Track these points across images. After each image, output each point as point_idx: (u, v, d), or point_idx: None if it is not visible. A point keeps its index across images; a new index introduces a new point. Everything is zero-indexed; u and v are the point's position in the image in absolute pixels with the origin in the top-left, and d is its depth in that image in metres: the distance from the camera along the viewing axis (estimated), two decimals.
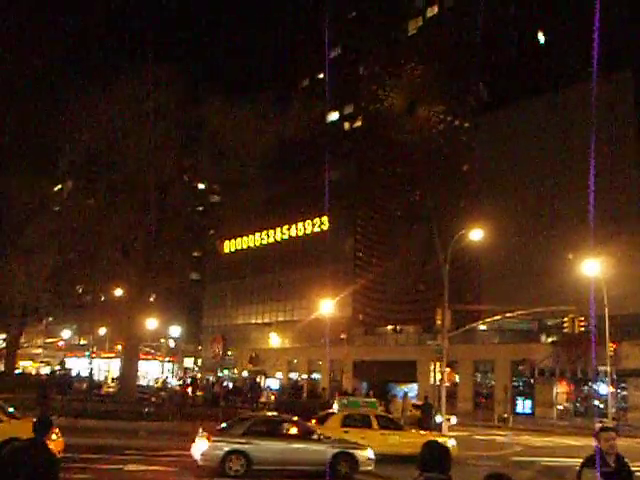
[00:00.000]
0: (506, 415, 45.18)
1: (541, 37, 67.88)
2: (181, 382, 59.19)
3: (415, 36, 73.38)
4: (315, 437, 18.80)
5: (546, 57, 61.66)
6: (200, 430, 18.72)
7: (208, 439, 17.76)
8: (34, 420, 7.41)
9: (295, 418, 20.25)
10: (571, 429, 38.78)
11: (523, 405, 53.64)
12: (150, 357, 72.81)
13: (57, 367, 58.35)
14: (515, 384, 54.49)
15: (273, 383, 63.40)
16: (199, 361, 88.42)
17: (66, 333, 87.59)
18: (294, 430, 19.07)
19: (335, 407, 30.16)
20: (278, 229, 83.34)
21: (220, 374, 63.42)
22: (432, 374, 43.99)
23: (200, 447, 17.80)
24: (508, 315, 43.63)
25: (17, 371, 52.13)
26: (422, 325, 62.06)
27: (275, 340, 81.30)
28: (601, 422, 36.52)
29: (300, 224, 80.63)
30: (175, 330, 63.40)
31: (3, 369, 48.72)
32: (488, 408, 52.59)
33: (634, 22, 52.75)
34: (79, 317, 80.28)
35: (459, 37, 65.95)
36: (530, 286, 52.81)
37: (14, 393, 32.59)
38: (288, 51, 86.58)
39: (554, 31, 63.14)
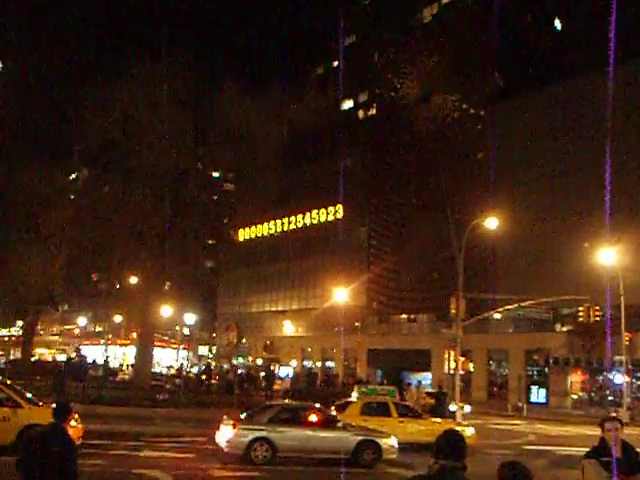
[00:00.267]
0: (520, 404, 45.13)
1: (558, 24, 67.36)
2: (195, 370, 59.52)
3: (430, 23, 72.97)
4: (339, 425, 18.92)
5: (563, 45, 61.17)
6: (225, 417, 18.86)
7: (233, 427, 17.88)
8: (53, 406, 7.50)
9: (319, 406, 20.35)
10: (586, 418, 38.65)
11: (537, 394, 53.55)
12: (165, 344, 73.17)
13: (73, 354, 58.78)
14: (529, 373, 54.42)
15: (285, 371, 63.55)
16: (214, 349, 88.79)
17: (82, 320, 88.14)
18: (318, 418, 19.14)
19: (354, 395, 30.26)
20: (293, 217, 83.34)
21: (234, 362, 63.64)
22: (446, 363, 43.95)
23: (225, 434, 17.95)
24: (523, 304, 43.55)
25: (33, 358, 52.52)
26: (436, 314, 62.01)
27: (289, 328, 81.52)
28: (616, 412, 36.49)
29: (315, 212, 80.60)
30: (190, 318, 63.49)
31: (19, 356, 49.13)
32: (502, 397, 52.59)
33: None
34: (95, 305, 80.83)
35: (474, 24, 65.45)
36: (545, 275, 52.65)
37: (30, 380, 32.91)
38: (303, 39, 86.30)
39: (571, 18, 62.65)
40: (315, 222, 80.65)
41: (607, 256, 38.72)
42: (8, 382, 19.12)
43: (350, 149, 74.38)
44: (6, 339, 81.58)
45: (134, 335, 59.45)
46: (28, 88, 36.20)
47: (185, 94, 34.11)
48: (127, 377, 48.21)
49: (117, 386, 41.30)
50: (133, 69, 33.06)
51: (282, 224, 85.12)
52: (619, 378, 44.58)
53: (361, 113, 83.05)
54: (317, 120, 37.93)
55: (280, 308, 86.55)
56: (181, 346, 71.75)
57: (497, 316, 52.61)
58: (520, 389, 51.79)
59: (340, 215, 76.26)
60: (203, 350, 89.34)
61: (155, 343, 44.42)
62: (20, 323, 51.88)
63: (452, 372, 39.61)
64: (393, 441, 18.93)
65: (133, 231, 35.25)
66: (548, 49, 61.26)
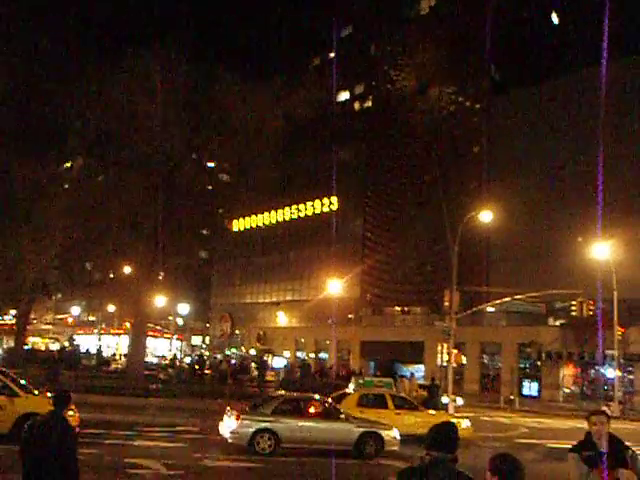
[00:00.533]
0: (512, 397, 45.31)
1: (555, 19, 67.31)
2: (188, 360, 59.56)
3: (427, 15, 72.74)
4: (342, 417, 19.06)
5: (560, 39, 61.18)
6: (228, 409, 19.00)
7: (237, 418, 17.97)
8: (53, 394, 7.55)
9: (323, 398, 20.49)
10: (577, 412, 38.81)
11: (529, 387, 53.72)
12: (158, 334, 73.17)
13: (66, 343, 58.78)
14: (522, 366, 54.57)
15: (278, 362, 63.63)
16: (207, 339, 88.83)
17: (75, 310, 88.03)
18: (322, 410, 19.28)
19: (351, 387, 30.35)
20: (287, 209, 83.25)
21: (228, 352, 63.71)
22: (439, 355, 44.09)
23: (229, 425, 18.06)
24: (516, 297, 43.69)
25: (26, 347, 52.50)
26: (430, 306, 62.08)
27: (283, 319, 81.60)
28: (607, 406, 36.67)
29: (309, 204, 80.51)
30: (183, 308, 63.53)
31: (12, 345, 49.09)
32: (494, 390, 52.72)
33: None
34: (88, 294, 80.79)
35: (472, 18, 65.35)
36: (539, 269, 52.78)
37: (24, 369, 32.91)
38: (299, 30, 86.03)
39: (568, 13, 62.61)
40: (310, 214, 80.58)
41: (601, 251, 38.86)
42: (4, 370, 19.11)
43: (345, 141, 74.31)
44: None
45: (127, 325, 59.44)
46: (23, 77, 36.02)
47: (181, 84, 34.07)
48: (120, 367, 48.25)
49: (110, 375, 41.44)
50: (129, 59, 33.01)
51: (277, 215, 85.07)
52: (611, 372, 44.76)
53: (357, 105, 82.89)
54: (313, 111, 37.95)
55: (274, 299, 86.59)
56: (174, 336, 71.84)
57: (490, 309, 52.75)
58: (512, 382, 51.96)
59: (335, 207, 76.21)
60: (196, 340, 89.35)
61: (148, 333, 44.51)
62: (13, 312, 51.75)
63: (445, 364, 39.73)
64: (395, 433, 19.08)
65: (127, 221, 35.29)
66: (545, 44, 61.25)
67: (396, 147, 71.49)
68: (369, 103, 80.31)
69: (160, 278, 40.38)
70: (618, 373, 42.09)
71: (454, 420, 21.50)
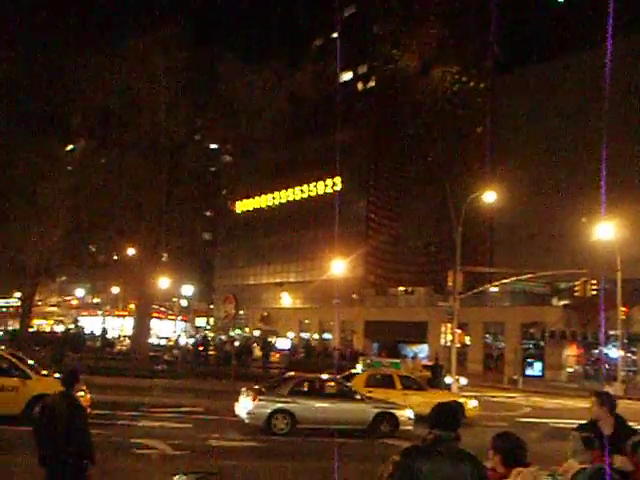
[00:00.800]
0: (516, 377, 45.41)
1: None
2: (192, 341, 59.74)
3: None
4: (358, 397, 19.19)
5: (564, 19, 60.71)
6: (244, 389, 19.07)
7: (254, 399, 18.07)
8: (62, 374, 7.63)
9: (338, 378, 20.56)
10: (580, 392, 38.91)
11: (533, 367, 53.84)
12: (162, 316, 73.41)
13: (71, 325, 59.00)
14: (525, 346, 54.65)
15: (282, 343, 63.80)
16: (211, 320, 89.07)
17: (80, 292, 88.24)
18: (337, 390, 19.42)
19: (359, 367, 30.48)
20: (291, 190, 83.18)
21: (232, 333, 63.86)
22: (442, 335, 44.11)
23: (246, 406, 18.18)
24: (520, 278, 43.64)
25: (31, 329, 52.66)
26: (433, 286, 62.10)
27: (287, 300, 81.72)
28: (610, 385, 36.77)
29: (313, 185, 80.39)
30: (187, 289, 63.68)
31: (18, 327, 49.25)
32: (498, 370, 52.84)
33: None
34: (92, 276, 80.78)
35: None
36: (543, 249, 52.77)
37: (29, 351, 33.03)
38: (301, 10, 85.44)
39: None
40: (313, 194, 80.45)
41: (605, 231, 38.78)
42: (16, 353, 19.26)
43: (349, 121, 74.07)
44: (4, 310, 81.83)
45: (132, 306, 59.58)
46: (25, 59, 35.88)
47: (183, 66, 33.95)
48: (125, 348, 48.41)
49: (115, 357, 41.59)
50: (131, 41, 32.88)
51: (280, 196, 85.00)
52: (614, 352, 44.81)
53: (360, 85, 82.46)
54: (316, 92, 37.86)
55: (278, 280, 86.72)
56: (179, 317, 72.07)
57: (494, 289, 52.74)
58: (516, 362, 52.00)
59: (338, 187, 76.03)
60: (201, 322, 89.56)
61: (153, 314, 44.64)
62: (18, 294, 51.86)
63: (448, 345, 39.80)
64: (410, 413, 19.16)
65: (130, 203, 35.28)
66: (549, 23, 60.79)
67: (400, 127, 71.28)
68: (372, 83, 79.88)
69: (164, 260, 40.46)
70: (621, 353, 42.15)
71: (461, 400, 21.63)
